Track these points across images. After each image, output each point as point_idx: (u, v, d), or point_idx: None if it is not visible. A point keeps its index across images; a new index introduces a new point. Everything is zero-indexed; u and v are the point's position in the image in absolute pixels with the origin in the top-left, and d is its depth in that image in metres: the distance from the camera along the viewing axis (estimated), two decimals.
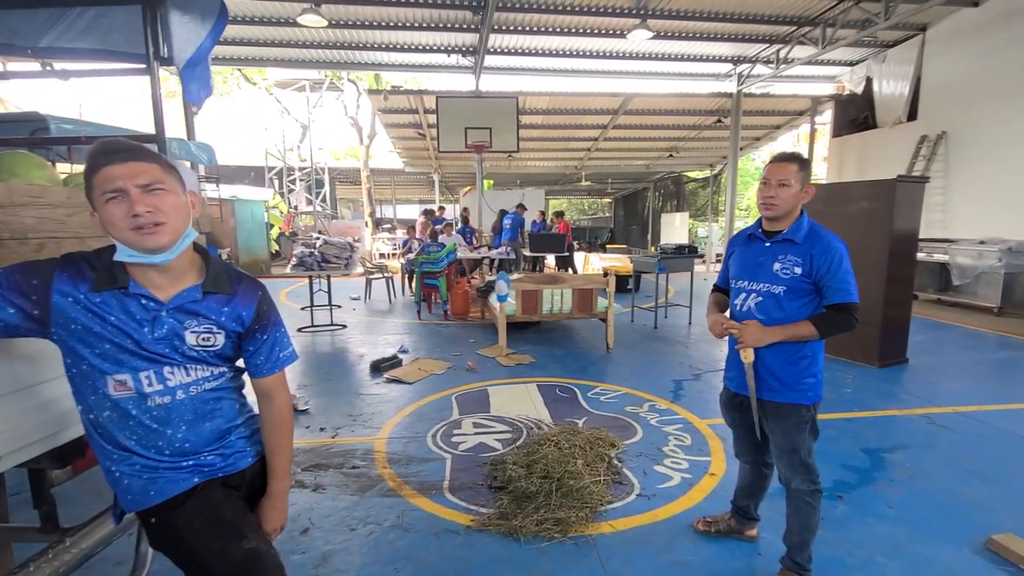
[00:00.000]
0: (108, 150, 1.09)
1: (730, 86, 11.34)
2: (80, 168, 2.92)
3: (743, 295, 1.99)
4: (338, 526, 2.45)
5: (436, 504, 2.63)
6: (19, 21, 2.15)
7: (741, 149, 13.51)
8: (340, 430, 3.59)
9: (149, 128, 2.02)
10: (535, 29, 8.92)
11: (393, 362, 5.04)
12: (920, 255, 7.57)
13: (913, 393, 4.31)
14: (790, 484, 1.98)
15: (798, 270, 1.86)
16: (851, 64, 11.13)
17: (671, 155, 16.71)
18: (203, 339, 1.19)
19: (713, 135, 14.50)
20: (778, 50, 9.86)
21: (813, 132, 13.17)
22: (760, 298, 1.93)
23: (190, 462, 1.20)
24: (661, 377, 4.75)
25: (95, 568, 2.06)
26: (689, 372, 4.93)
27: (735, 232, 2.22)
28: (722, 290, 2.17)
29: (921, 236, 5.31)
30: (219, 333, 1.21)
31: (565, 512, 2.47)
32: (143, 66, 1.93)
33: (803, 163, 1.88)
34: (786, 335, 1.85)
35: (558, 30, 8.99)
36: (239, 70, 16.70)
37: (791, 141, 16.68)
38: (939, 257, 8.36)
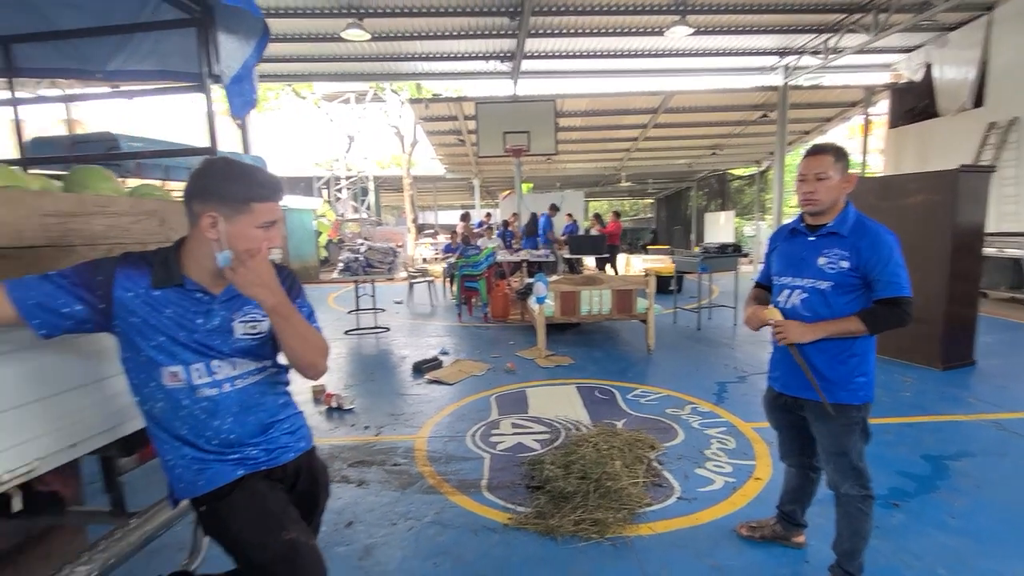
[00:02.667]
0: (272, 186, 1.23)
1: (776, 79, 10.95)
2: (148, 181, 3.14)
3: (786, 291, 1.92)
4: (380, 520, 2.52)
5: (474, 502, 2.67)
6: (91, 48, 2.36)
7: (789, 144, 13.02)
8: (383, 428, 3.69)
9: (204, 142, 2.17)
10: (572, 31, 8.92)
11: (434, 363, 5.14)
12: (989, 250, 7.07)
13: (981, 397, 4.02)
14: (839, 489, 1.90)
15: (845, 264, 1.78)
16: (908, 50, 10.53)
17: (714, 153, 16.27)
18: (249, 327, 1.29)
19: (758, 131, 14.01)
20: (827, 39, 9.44)
21: (867, 124, 12.51)
22: (805, 294, 1.86)
23: (236, 455, 1.29)
24: (704, 379, 4.63)
25: (159, 552, 2.21)
26: (733, 374, 4.79)
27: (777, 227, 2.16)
28: (763, 287, 2.11)
29: (991, 230, 4.97)
30: (263, 320, 1.30)
31: (603, 513, 2.45)
32: (197, 84, 2.07)
33: (839, 153, 1.80)
34: (832, 331, 1.77)
35: (595, 31, 8.95)
36: (289, 86, 17.49)
37: (843, 134, 15.92)
38: (1011, 252, 7.76)
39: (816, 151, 1.81)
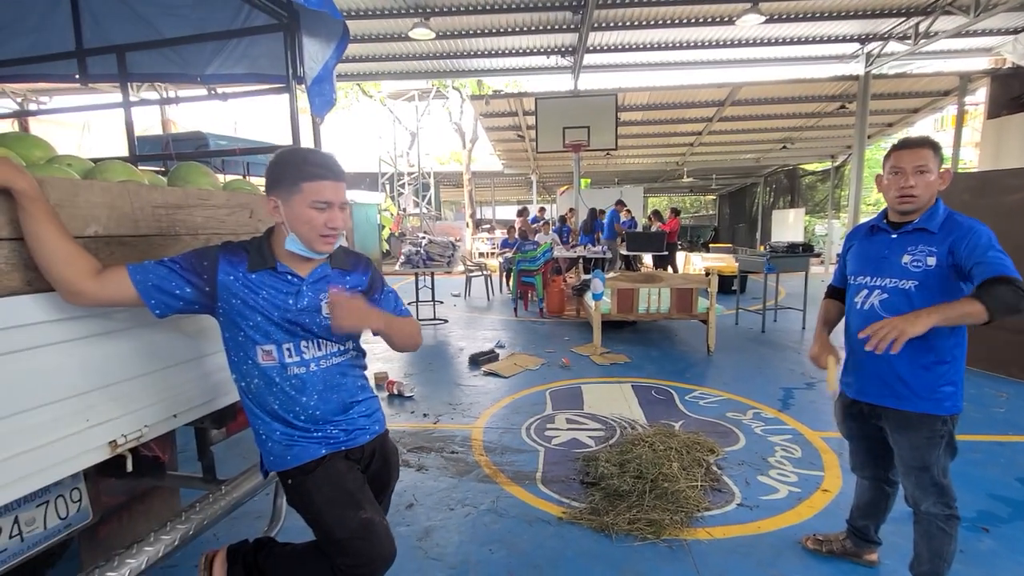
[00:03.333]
0: (327, 166, 1.31)
1: (856, 68, 10.21)
2: (232, 177, 3.39)
3: (864, 292, 1.80)
4: (438, 505, 2.61)
5: (529, 494, 2.71)
6: (192, 54, 2.59)
7: (869, 137, 12.12)
8: (441, 417, 3.81)
9: (287, 140, 2.32)
10: (635, 24, 8.71)
11: (490, 356, 5.22)
12: None
13: None
14: (919, 506, 1.78)
15: (932, 261, 1.65)
16: (1013, 32, 9.50)
17: (784, 147, 15.42)
18: None
19: (835, 123, 13.14)
20: (917, 23, 8.68)
21: (962, 114, 11.43)
22: (885, 295, 1.74)
23: (319, 433, 1.39)
24: (768, 384, 4.44)
25: (240, 519, 2.40)
26: (800, 380, 4.56)
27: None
28: (838, 292, 2.00)
29: None
30: None
31: (659, 514, 2.43)
32: (283, 85, 2.22)
33: (936, 147, 1.68)
34: (947, 315, 1.48)
35: (660, 23, 8.69)
36: (358, 85, 18.19)
37: (931, 126, 14.64)
38: None
39: (913, 143, 1.69)
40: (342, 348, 1.44)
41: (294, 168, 1.30)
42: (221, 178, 2.79)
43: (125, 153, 2.61)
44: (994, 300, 1.45)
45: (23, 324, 1.14)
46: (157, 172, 2.22)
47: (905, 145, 1.71)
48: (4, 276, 1.11)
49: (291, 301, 1.34)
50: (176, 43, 2.37)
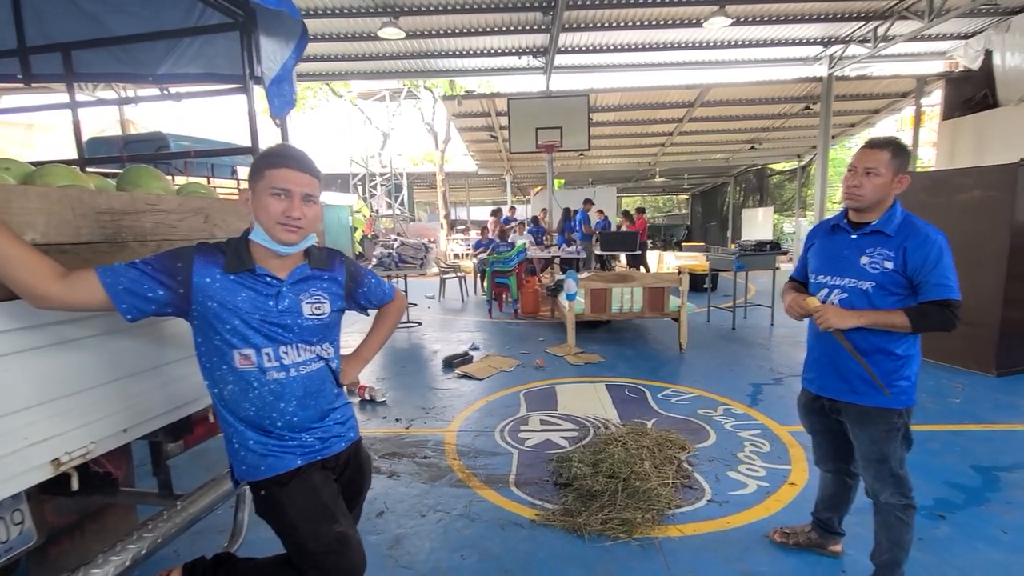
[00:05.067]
0: (289, 156, 1.30)
1: (820, 70, 10.52)
2: (195, 179, 3.29)
3: (824, 291, 1.85)
4: (410, 511, 2.58)
5: (502, 497, 2.70)
6: (144, 53, 2.49)
7: (833, 137, 12.51)
8: (414, 421, 3.76)
9: (246, 141, 2.26)
10: (606, 25, 8.79)
11: (464, 358, 5.19)
12: None
13: None
14: (878, 497, 1.83)
15: (889, 265, 1.71)
16: (965, 37, 9.92)
17: (753, 147, 15.79)
18: (316, 309, 1.38)
19: (800, 123, 13.51)
20: (876, 27, 9.00)
21: (919, 115, 11.88)
22: (844, 294, 1.79)
23: (295, 441, 1.36)
24: (738, 380, 4.53)
25: (202, 534, 2.32)
26: (769, 376, 4.66)
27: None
28: (799, 283, 2.05)
29: None
30: (325, 302, 1.41)
31: (631, 513, 2.44)
32: (240, 86, 2.15)
33: (897, 150, 1.71)
34: (873, 320, 1.70)
35: (630, 24, 8.79)
36: (327, 84, 17.89)
37: (892, 126, 15.18)
38: None
39: (873, 144, 1.73)
40: (322, 355, 1.41)
41: (262, 158, 1.31)
42: (183, 180, 2.71)
43: (75, 155, 2.50)
44: (922, 320, 1.65)
45: None
46: (110, 176, 2.13)
47: (865, 145, 1.76)
48: None
49: (271, 303, 1.31)
50: (125, 41, 2.27)
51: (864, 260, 1.76)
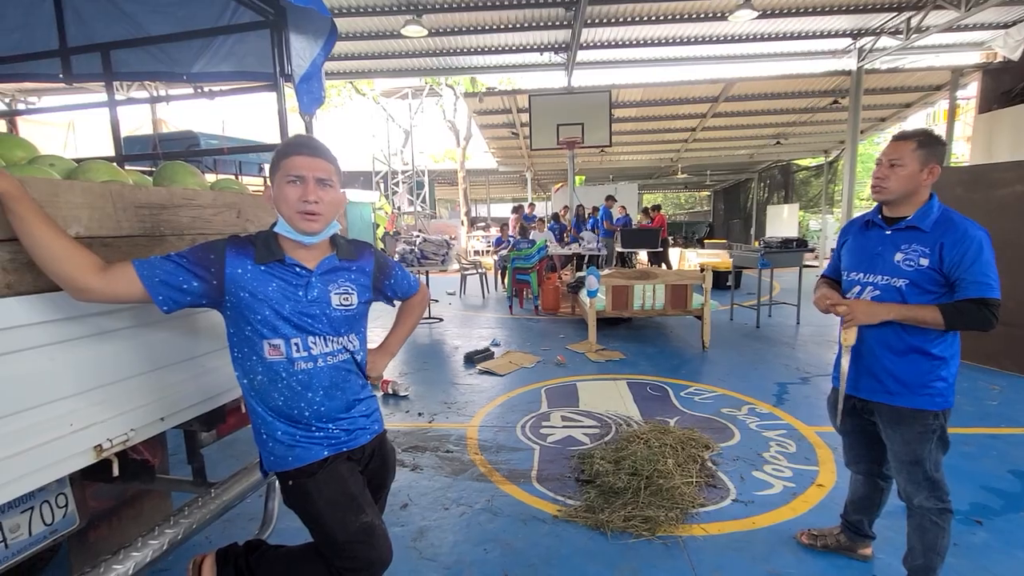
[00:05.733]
0: (301, 143, 1.34)
1: (849, 63, 10.24)
2: (224, 176, 3.36)
3: (857, 288, 1.81)
4: (433, 504, 2.60)
5: (524, 492, 2.70)
6: (178, 52, 2.56)
7: (862, 132, 12.18)
8: (436, 416, 3.79)
9: (269, 138, 2.30)
10: (629, 20, 8.69)
11: (485, 354, 5.21)
12: None
13: None
14: (912, 501, 1.78)
15: (924, 262, 1.65)
16: (1005, 26, 9.53)
17: (778, 142, 15.47)
18: (343, 299, 1.40)
19: (828, 118, 13.19)
20: (908, 18, 8.71)
21: (953, 108, 11.49)
22: (878, 292, 1.74)
23: (321, 432, 1.39)
24: (763, 379, 4.45)
25: (234, 522, 2.38)
26: (795, 375, 4.57)
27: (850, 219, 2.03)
28: (831, 281, 2.01)
29: None
30: (353, 292, 1.43)
31: (654, 511, 2.42)
32: (271, 83, 2.19)
33: (925, 141, 1.65)
34: (903, 315, 1.65)
35: (653, 18, 8.68)
36: (351, 83, 18.09)
37: (925, 120, 14.70)
38: None
39: (900, 136, 1.69)
40: (349, 347, 1.44)
41: (277, 151, 1.34)
42: (212, 177, 2.77)
43: (112, 153, 2.58)
44: (957, 318, 1.59)
45: (2, 328, 1.11)
46: (145, 172, 2.19)
47: (893, 138, 1.73)
48: None
49: (301, 293, 1.34)
50: (161, 41, 2.34)
51: (898, 257, 1.70)
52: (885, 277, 1.73)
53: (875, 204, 1.85)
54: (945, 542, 1.77)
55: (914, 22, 8.71)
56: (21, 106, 8.36)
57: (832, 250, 2.07)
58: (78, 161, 1.60)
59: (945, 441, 1.74)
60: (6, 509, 1.32)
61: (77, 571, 1.34)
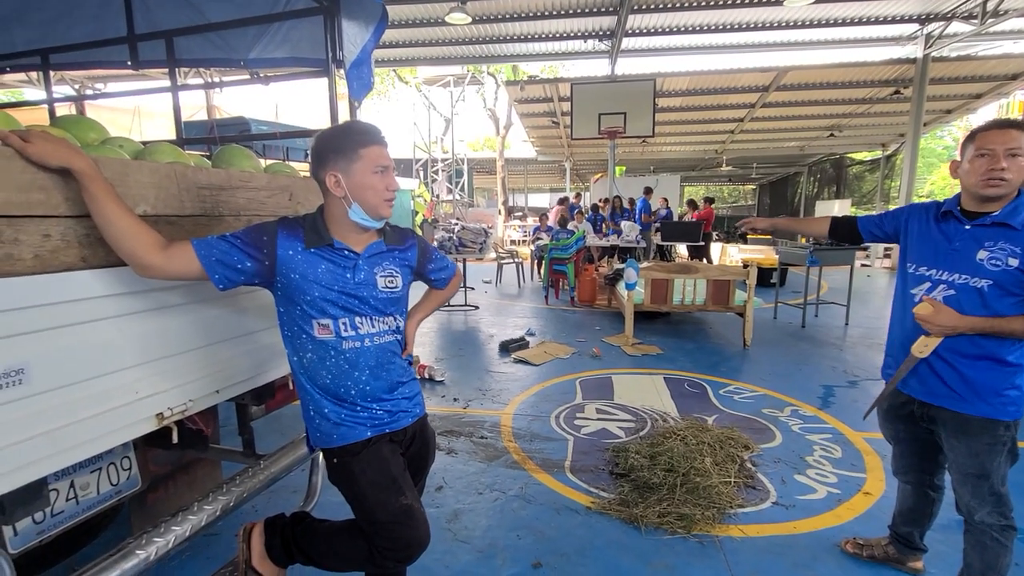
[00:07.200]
0: (376, 132, 1.37)
1: (914, 50, 9.64)
2: (272, 160, 3.46)
3: (927, 284, 1.66)
4: (467, 488, 2.64)
5: (557, 482, 2.71)
6: (236, 38, 2.64)
7: (925, 125, 11.48)
8: (471, 402, 3.84)
9: (324, 124, 2.34)
10: (678, 5, 8.43)
11: (521, 344, 5.23)
12: None
13: None
14: (973, 516, 1.68)
15: (1013, 262, 1.50)
16: None
17: (832, 134, 14.77)
18: (389, 282, 1.45)
19: (888, 109, 12.47)
20: (984, 1, 8.12)
21: None
22: (953, 291, 1.60)
23: (366, 413, 1.43)
24: (807, 381, 4.30)
25: (278, 493, 2.48)
26: (843, 378, 4.39)
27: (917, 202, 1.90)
28: (848, 226, 2.02)
29: None
30: (398, 276, 1.47)
31: (690, 508, 2.39)
32: (322, 69, 2.23)
33: None
34: (992, 327, 1.52)
35: (702, 4, 8.38)
36: (395, 71, 18.28)
37: (997, 112, 13.69)
38: None
39: (1005, 124, 1.54)
40: (394, 327, 1.48)
41: (348, 138, 1.34)
42: (262, 162, 2.86)
43: (173, 136, 2.69)
44: None
45: (77, 299, 1.18)
46: (202, 155, 2.28)
47: (995, 125, 1.56)
48: (60, 252, 1.16)
49: (348, 275, 1.38)
50: (221, 28, 2.41)
51: (982, 255, 1.56)
52: (964, 276, 1.59)
53: (954, 194, 1.72)
54: (1007, 561, 1.67)
55: (990, 5, 8.10)
56: (89, 92, 8.83)
57: (883, 213, 1.96)
58: (144, 143, 1.68)
59: (1015, 454, 1.63)
60: (78, 468, 1.42)
61: (137, 530, 1.42)
